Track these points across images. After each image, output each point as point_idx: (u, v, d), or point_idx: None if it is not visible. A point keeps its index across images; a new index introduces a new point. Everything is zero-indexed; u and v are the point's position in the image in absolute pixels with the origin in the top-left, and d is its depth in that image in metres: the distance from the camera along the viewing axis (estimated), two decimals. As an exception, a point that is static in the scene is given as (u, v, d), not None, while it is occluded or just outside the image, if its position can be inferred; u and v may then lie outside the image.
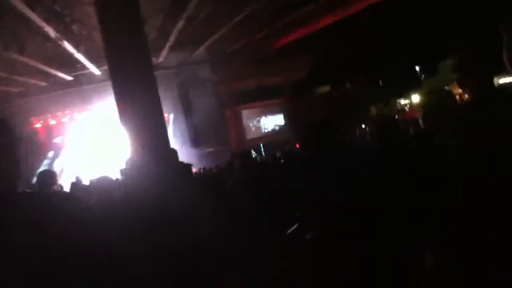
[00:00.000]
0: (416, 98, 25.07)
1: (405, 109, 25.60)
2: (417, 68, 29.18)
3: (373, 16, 18.63)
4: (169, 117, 19.46)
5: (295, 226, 3.74)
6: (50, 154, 19.12)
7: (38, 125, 19.48)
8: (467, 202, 2.32)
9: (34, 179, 16.81)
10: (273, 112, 24.57)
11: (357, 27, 19.56)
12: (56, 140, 19.54)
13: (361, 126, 19.12)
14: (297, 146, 14.92)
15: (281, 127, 24.25)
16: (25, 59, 14.05)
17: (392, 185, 2.85)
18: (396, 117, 20.34)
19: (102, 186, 4.21)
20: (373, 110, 26.35)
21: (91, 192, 4.75)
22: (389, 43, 22.55)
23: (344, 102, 24.17)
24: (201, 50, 18.81)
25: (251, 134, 24.01)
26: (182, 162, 4.15)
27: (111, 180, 4.46)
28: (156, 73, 7.03)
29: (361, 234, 2.81)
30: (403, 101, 27.18)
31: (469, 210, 2.27)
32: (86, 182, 7.23)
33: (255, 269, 3.90)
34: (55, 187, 4.74)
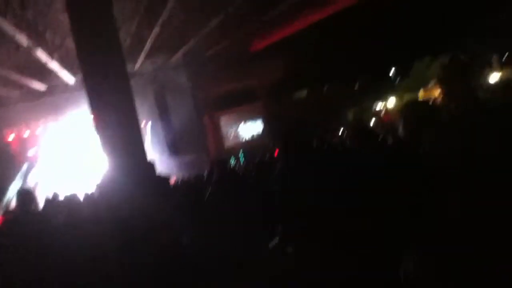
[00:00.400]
0: (391, 101, 25.35)
1: (380, 113, 25.84)
2: (392, 69, 29.55)
3: (346, 19, 18.76)
4: (147, 125, 19.17)
5: (275, 240, 3.66)
6: (24, 167, 18.57)
7: (11, 136, 18.91)
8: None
9: (7, 195, 16.37)
10: (252, 117, 24.47)
11: (329, 29, 19.67)
12: (30, 151, 18.99)
13: (339, 131, 19.20)
14: (276, 152, 14.84)
15: (260, 133, 24.18)
16: (-4, 69, 13.64)
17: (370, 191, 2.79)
18: (372, 122, 20.55)
19: (70, 205, 4.08)
20: (350, 114, 26.52)
21: (62, 210, 4.60)
22: (363, 45, 22.75)
23: (321, 106, 24.28)
24: (177, 56, 18.64)
25: (230, 141, 23.88)
26: (160, 177, 4.02)
27: (78, 199, 4.37)
28: (132, 80, 6.86)
29: (344, 243, 2.75)
30: (379, 105, 27.41)
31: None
32: (61, 197, 7.00)
33: (232, 280, 3.80)
34: (33, 206, 4.58)
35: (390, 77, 28.74)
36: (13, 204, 10.73)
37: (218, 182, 4.80)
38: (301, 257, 2.93)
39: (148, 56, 17.11)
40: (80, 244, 3.35)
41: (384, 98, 26.90)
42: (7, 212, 7.91)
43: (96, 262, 3.22)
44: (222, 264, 3.66)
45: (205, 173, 7.61)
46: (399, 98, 25.04)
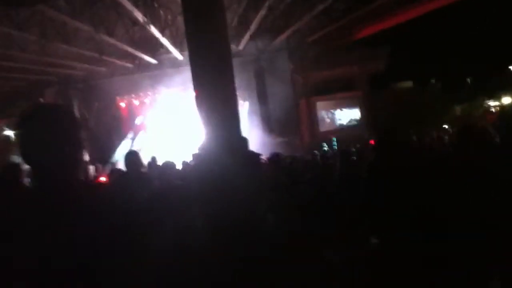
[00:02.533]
0: (507, 100, 23.15)
1: (493, 112, 23.72)
2: (510, 67, 26.94)
3: (460, 10, 17.36)
4: (245, 103, 19.65)
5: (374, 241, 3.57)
6: (131, 134, 20.19)
7: (122, 104, 20.61)
8: None
9: (115, 157, 17.92)
10: (349, 105, 23.87)
11: (443, 20, 18.36)
12: (138, 119, 20.56)
13: (443, 127, 18.03)
14: (371, 142, 14.40)
15: (356, 122, 23.53)
16: (114, 41, 14.86)
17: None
18: (483, 120, 18.94)
19: (165, 171, 4.34)
20: (458, 110, 24.72)
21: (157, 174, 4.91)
22: (480, 38, 20.95)
23: (426, 99, 22.92)
24: (280, 39, 18.75)
25: (324, 127, 23.59)
26: (252, 151, 4.12)
27: (170, 165, 4.65)
28: (234, 60, 7.08)
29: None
30: (492, 103, 25.19)
31: None
32: (160, 163, 7.50)
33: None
34: (141, 168, 4.96)
35: (508, 75, 26.23)
36: (120, 164, 11.72)
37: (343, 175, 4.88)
38: (385, 249, 2.88)
39: (252, 37, 17.43)
40: (170, 209, 3.58)
41: (498, 96, 24.69)
42: (114, 170, 8.73)
43: (183, 226, 3.42)
44: (294, 246, 3.69)
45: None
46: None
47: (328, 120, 24.02)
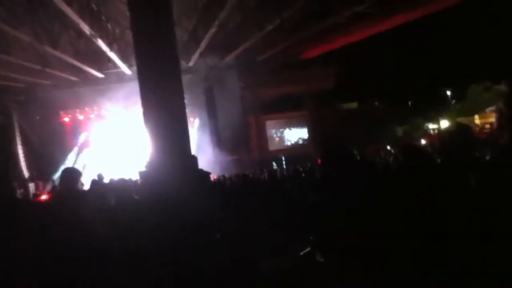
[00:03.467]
0: (445, 123, 24.54)
1: (431, 134, 25.06)
2: (448, 92, 28.65)
3: (404, 34, 18.32)
4: (195, 121, 19.52)
5: (307, 249, 3.62)
6: (75, 150, 19.43)
7: (66, 119, 19.82)
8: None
9: (57, 174, 17.14)
10: (297, 124, 24.39)
11: (387, 43, 19.28)
12: (82, 135, 19.83)
13: (385, 146, 18.78)
14: (319, 161, 14.70)
15: (304, 140, 24.04)
16: (58, 53, 14.32)
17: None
18: (423, 141, 19.93)
19: (121, 188, 4.17)
20: (399, 130, 25.89)
21: (110, 192, 4.71)
22: (419, 63, 22.15)
23: (370, 119, 23.82)
24: (230, 57, 18.89)
25: (273, 145, 23.90)
26: (201, 170, 4.08)
27: (128, 182, 4.44)
28: (184, 76, 7.01)
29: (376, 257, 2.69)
30: (431, 125, 26.65)
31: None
32: (106, 180, 7.24)
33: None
34: (79, 185, 4.74)
35: (444, 98, 27.88)
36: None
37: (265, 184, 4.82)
38: (332, 268, 2.89)
39: (202, 54, 17.43)
40: (130, 224, 3.45)
41: (436, 119, 26.14)
42: (53, 189, 8.30)
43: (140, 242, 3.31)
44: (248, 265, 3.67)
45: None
46: (452, 120, 24.22)
47: (277, 139, 24.37)
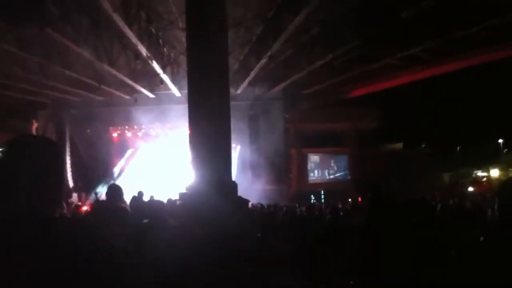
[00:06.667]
0: (495, 172, 23.55)
1: (481, 182, 24.04)
2: (500, 140, 27.59)
3: (456, 80, 17.92)
4: (236, 148, 19.70)
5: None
6: (120, 165, 20.03)
7: (114, 135, 20.55)
8: None
9: (100, 187, 17.63)
10: (338, 159, 24.11)
11: (437, 88, 18.92)
12: (128, 152, 20.46)
13: (430, 194, 18.12)
14: (360, 199, 14.41)
15: (344, 176, 23.66)
16: (114, 71, 15.00)
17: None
18: (470, 188, 19.07)
19: (157, 208, 4.23)
20: (446, 177, 25.00)
21: (146, 211, 4.79)
22: (471, 110, 21.54)
23: (414, 163, 23.17)
24: (277, 88, 19.12)
25: (313, 179, 23.68)
26: (240, 197, 4.09)
27: (164, 204, 4.52)
28: (231, 103, 7.14)
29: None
30: (480, 173, 25.62)
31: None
32: (146, 198, 7.39)
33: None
34: (121, 201, 4.87)
35: (496, 147, 26.85)
36: (103, 196, 11.53)
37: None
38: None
39: (250, 83, 17.76)
40: (165, 246, 3.48)
41: (485, 167, 25.14)
42: (97, 201, 8.58)
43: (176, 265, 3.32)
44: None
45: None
46: (504, 170, 23.19)
47: (317, 173, 24.14)
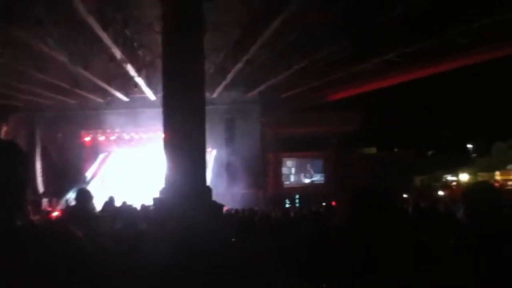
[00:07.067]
0: (464, 176, 24.19)
1: (451, 186, 24.62)
2: (469, 145, 28.34)
3: (430, 86, 18.32)
4: (212, 152, 19.60)
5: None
6: (92, 168, 19.66)
7: (87, 139, 20.15)
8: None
9: (71, 193, 17.25)
10: (314, 163, 24.30)
11: (413, 92, 19.29)
12: (101, 156, 20.10)
13: (402, 196, 18.47)
14: (333, 203, 14.52)
15: (320, 181, 23.85)
16: (88, 74, 14.72)
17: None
18: (441, 192, 19.54)
19: (128, 214, 4.17)
20: (418, 181, 25.49)
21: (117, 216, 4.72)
22: (443, 115, 22.05)
23: (388, 166, 23.55)
24: (254, 92, 19.13)
25: (289, 183, 23.79)
26: (215, 202, 4.06)
27: (134, 209, 4.48)
28: (206, 107, 7.11)
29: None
30: (450, 177, 26.25)
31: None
32: (119, 203, 7.26)
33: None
34: (91, 205, 4.80)
35: (466, 152, 27.56)
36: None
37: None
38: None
39: (226, 87, 17.71)
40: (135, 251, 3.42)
41: (456, 171, 25.77)
42: (67, 207, 8.40)
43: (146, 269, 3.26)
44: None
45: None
46: (474, 175, 23.83)
47: (293, 177, 24.24)
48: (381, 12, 10.97)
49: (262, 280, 3.96)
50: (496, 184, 21.67)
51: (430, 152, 29.58)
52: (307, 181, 24.10)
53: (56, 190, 17.76)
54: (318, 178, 24.05)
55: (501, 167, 24.02)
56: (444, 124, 23.17)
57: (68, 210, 5.69)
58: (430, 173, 26.42)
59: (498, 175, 24.17)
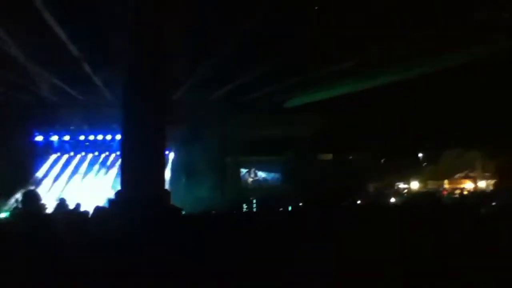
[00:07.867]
0: (415, 184, 25.16)
1: (403, 193, 25.51)
2: (420, 154, 29.36)
3: (385, 93, 18.85)
4: (170, 155, 19.36)
5: None
6: (43, 170, 18.93)
7: (38, 138, 19.37)
8: None
9: (19, 195, 16.54)
10: (272, 166, 24.58)
11: (368, 100, 19.82)
12: (52, 156, 19.39)
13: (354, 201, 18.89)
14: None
15: (278, 183, 24.12)
16: (42, 71, 14.17)
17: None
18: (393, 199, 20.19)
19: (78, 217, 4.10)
20: (371, 188, 26.21)
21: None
22: (397, 122, 22.78)
23: (344, 172, 24.11)
24: (214, 95, 19.09)
25: (247, 184, 23.95)
26: (173, 206, 4.02)
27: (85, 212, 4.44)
28: (167, 109, 7.02)
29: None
30: (402, 185, 27.19)
31: None
32: (71, 205, 7.04)
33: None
34: (40, 206, 4.65)
35: (416, 160, 28.56)
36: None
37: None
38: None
39: (188, 89, 17.55)
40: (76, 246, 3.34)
41: (407, 179, 26.68)
42: (15, 208, 8.05)
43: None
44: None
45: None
46: (423, 183, 24.86)
47: (251, 180, 24.37)
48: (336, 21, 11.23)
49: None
50: (445, 192, 22.73)
51: (383, 160, 30.49)
52: (265, 184, 24.31)
53: (3, 192, 16.94)
54: (276, 181, 24.31)
55: (451, 175, 25.14)
56: (398, 132, 23.91)
57: (15, 213, 5.47)
58: (382, 180, 27.19)
59: (446, 184, 25.26)
